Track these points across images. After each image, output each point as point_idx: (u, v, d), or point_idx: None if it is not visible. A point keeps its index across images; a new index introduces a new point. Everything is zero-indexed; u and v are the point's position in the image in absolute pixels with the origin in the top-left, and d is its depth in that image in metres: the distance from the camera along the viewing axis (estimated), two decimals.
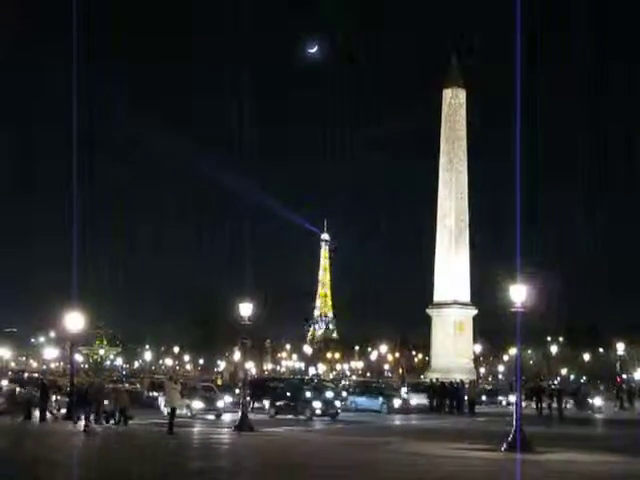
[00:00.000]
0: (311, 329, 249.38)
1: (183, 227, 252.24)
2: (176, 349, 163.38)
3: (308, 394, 52.98)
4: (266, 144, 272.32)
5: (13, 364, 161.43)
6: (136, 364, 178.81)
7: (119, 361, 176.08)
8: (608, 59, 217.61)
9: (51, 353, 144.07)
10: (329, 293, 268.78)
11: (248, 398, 54.24)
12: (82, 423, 38.11)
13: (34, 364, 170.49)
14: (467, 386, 66.01)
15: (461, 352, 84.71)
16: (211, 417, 49.44)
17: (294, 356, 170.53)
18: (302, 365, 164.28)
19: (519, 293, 32.41)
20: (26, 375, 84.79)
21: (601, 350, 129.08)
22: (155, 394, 56.03)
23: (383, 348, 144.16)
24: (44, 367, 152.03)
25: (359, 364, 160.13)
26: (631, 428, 46.28)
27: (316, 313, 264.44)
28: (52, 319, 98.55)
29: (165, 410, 45.37)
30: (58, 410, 45.62)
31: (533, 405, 60.41)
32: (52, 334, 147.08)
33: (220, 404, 51.28)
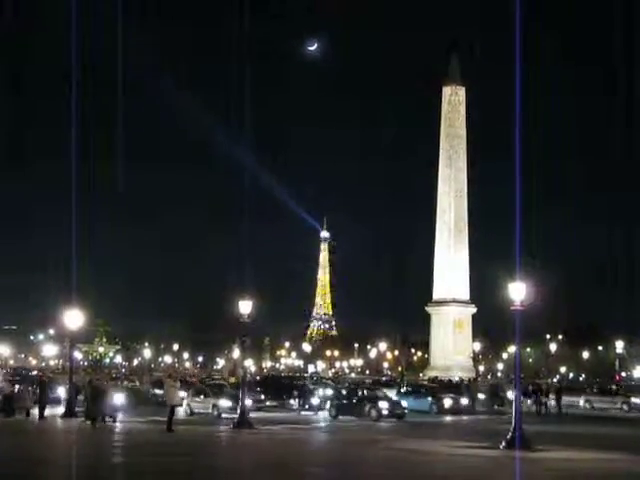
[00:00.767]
0: (310, 326, 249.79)
1: (183, 225, 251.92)
2: (175, 347, 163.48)
3: (376, 393, 50.60)
4: (265, 141, 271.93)
5: (12, 362, 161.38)
6: (135, 362, 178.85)
7: (118, 359, 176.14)
8: (610, 58, 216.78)
9: (50, 350, 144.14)
10: (328, 291, 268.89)
11: (263, 396, 54.06)
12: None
13: (33, 361, 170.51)
14: (471, 384, 65.77)
15: (460, 350, 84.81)
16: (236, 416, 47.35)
17: (293, 354, 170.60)
18: (301, 363, 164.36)
19: (518, 291, 32.42)
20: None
21: (600, 348, 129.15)
22: (158, 391, 55.49)
23: (382, 346, 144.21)
24: (43, 364, 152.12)
25: (358, 362, 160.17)
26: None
27: (315, 311, 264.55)
28: (52, 316, 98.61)
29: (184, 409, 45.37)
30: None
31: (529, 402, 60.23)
32: (51, 331, 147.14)
33: (248, 402, 48.44)
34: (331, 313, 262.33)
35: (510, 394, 61.66)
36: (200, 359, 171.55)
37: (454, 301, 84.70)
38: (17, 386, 49.83)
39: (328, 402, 51.38)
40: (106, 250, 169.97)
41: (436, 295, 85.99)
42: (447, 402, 54.60)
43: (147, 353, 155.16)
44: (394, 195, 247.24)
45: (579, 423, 48.15)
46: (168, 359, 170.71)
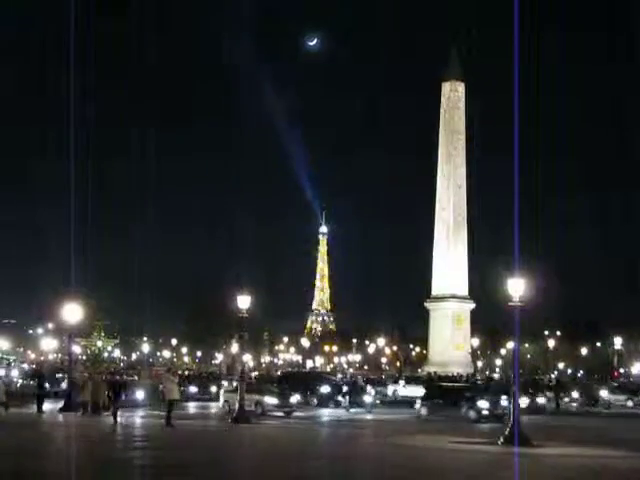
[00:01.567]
0: (309, 321, 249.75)
1: (181, 220, 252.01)
2: (174, 341, 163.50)
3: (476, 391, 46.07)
4: (265, 139, 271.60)
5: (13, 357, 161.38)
6: (134, 356, 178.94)
7: (117, 353, 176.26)
8: (611, 55, 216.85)
9: (49, 344, 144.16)
10: (327, 286, 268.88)
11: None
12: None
13: (32, 355, 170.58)
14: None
15: (459, 345, 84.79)
16: (280, 414, 45.50)
17: (291, 349, 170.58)
18: (299, 358, 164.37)
19: (517, 287, 32.42)
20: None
21: (599, 344, 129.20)
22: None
23: (381, 341, 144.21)
24: (41, 358, 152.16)
25: (357, 357, 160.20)
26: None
27: (314, 306, 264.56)
28: (50, 311, 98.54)
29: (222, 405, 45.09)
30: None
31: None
32: (50, 325, 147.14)
33: (293, 400, 47.38)
34: (330, 308, 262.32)
35: (605, 394, 61.60)
36: (199, 354, 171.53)
37: (453, 297, 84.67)
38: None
39: (418, 402, 46.54)
40: (105, 244, 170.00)
41: (435, 291, 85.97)
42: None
43: (145, 347, 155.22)
44: (393, 190, 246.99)
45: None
46: (167, 354, 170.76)
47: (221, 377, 71.89)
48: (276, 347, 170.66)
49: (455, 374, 71.58)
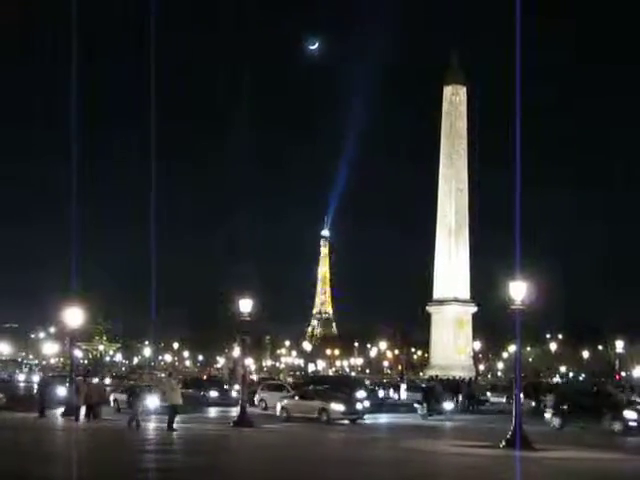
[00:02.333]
0: (311, 325, 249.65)
1: (182, 223, 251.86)
2: (175, 345, 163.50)
3: (616, 399, 41.18)
4: (265, 142, 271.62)
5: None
6: (135, 360, 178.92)
7: (119, 357, 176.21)
8: (609, 57, 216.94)
9: (51, 348, 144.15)
10: (329, 290, 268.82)
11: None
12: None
13: (34, 360, 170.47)
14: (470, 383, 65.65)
15: (460, 349, 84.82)
16: (345, 422, 42.61)
17: (293, 352, 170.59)
18: (301, 362, 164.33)
19: (519, 290, 32.39)
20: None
21: (600, 348, 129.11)
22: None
23: (383, 345, 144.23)
24: (44, 362, 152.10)
25: (358, 361, 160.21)
26: None
27: (315, 310, 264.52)
28: (52, 315, 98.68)
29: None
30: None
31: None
32: (52, 329, 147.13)
33: (359, 406, 44.86)
34: (331, 312, 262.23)
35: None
36: (200, 358, 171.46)
37: (455, 300, 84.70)
38: None
39: (550, 411, 41.35)
40: (107, 247, 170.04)
41: (437, 294, 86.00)
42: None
43: (147, 351, 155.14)
44: (395, 194, 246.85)
45: None
46: (168, 357, 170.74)
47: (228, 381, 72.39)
48: (278, 351, 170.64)
49: (457, 377, 71.59)
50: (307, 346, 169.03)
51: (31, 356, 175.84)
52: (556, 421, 40.36)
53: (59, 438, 35.10)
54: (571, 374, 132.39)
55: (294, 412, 43.33)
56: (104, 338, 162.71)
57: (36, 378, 70.31)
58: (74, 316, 46.12)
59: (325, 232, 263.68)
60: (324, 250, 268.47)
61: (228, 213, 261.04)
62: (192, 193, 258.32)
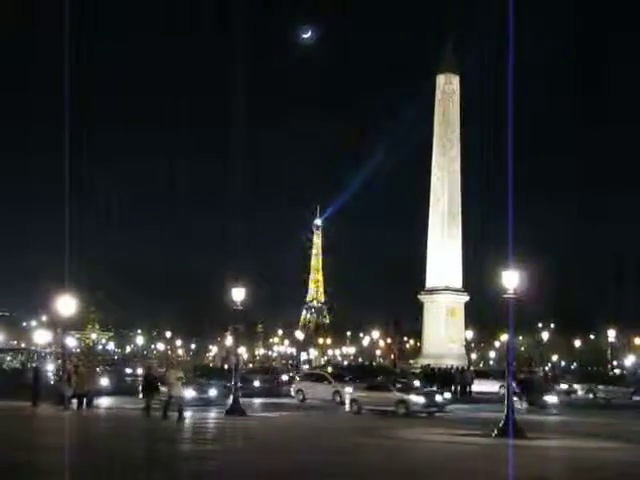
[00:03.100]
0: (303, 314, 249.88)
1: (175, 211, 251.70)
2: (168, 334, 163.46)
3: None
4: (261, 137, 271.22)
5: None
6: (128, 349, 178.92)
7: (111, 345, 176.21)
8: (606, 55, 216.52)
9: (43, 337, 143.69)
10: (321, 278, 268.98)
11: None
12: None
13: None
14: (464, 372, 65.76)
15: (453, 338, 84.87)
16: (424, 415, 40.72)
17: (286, 341, 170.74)
18: (294, 350, 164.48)
19: (511, 279, 32.41)
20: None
21: (592, 337, 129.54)
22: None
23: (375, 334, 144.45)
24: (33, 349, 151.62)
25: (351, 349, 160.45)
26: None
27: (308, 298, 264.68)
28: (44, 303, 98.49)
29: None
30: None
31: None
32: (44, 318, 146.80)
33: (439, 398, 42.91)
34: (323, 300, 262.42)
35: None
36: (193, 346, 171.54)
37: (447, 289, 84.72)
38: None
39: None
40: (100, 236, 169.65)
41: (429, 283, 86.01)
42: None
43: (140, 340, 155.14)
44: (388, 182, 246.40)
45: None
46: (161, 346, 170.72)
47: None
48: (270, 339, 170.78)
49: (449, 366, 71.74)
50: (299, 335, 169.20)
51: (23, 345, 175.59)
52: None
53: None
54: (563, 363, 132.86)
55: (366, 404, 41.78)
56: (96, 326, 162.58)
57: (50, 367, 69.28)
58: (66, 305, 46.02)
59: (318, 221, 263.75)
60: (317, 239, 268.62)
61: (222, 202, 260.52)
62: (186, 183, 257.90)
